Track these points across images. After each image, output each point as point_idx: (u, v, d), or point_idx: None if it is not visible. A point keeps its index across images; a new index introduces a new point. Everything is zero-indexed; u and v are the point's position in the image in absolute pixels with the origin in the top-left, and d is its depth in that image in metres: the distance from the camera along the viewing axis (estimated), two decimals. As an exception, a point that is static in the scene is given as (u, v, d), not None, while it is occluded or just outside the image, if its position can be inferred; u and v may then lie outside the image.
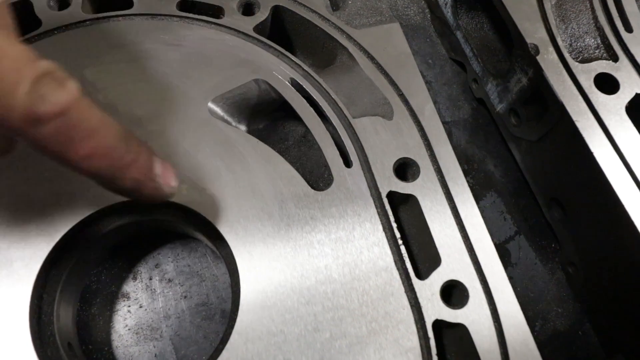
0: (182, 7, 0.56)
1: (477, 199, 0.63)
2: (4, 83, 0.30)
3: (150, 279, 0.54)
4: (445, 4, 0.69)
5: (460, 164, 0.50)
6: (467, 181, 0.49)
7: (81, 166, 0.35)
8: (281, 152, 0.51)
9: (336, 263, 0.45)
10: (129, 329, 0.52)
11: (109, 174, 0.36)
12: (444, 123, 0.53)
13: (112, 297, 0.53)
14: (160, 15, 0.55)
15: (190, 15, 0.55)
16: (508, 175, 0.66)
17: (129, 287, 0.54)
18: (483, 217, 0.47)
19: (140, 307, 0.53)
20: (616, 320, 0.55)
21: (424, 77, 0.55)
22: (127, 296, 0.53)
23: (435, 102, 0.53)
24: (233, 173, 0.48)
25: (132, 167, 0.37)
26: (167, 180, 0.40)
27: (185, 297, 0.54)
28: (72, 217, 0.46)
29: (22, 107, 0.30)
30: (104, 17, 0.55)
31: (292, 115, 0.53)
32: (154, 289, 0.54)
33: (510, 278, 0.46)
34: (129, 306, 0.53)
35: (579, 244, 0.57)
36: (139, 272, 0.54)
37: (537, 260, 0.62)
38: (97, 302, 0.52)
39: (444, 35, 0.73)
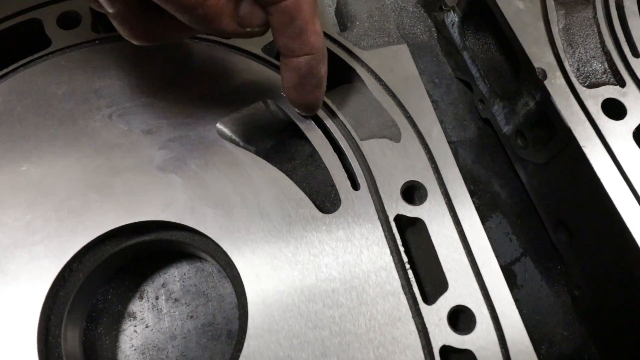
0: (191, 27, 0.56)
1: (483, 219, 0.63)
2: None
3: (157, 298, 0.54)
4: (452, 24, 0.69)
5: (466, 184, 0.50)
6: (473, 202, 0.49)
7: None
8: (288, 172, 0.52)
9: (344, 287, 0.45)
10: (135, 349, 0.52)
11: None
12: (450, 143, 0.53)
13: (118, 317, 0.53)
14: (170, 35, 0.55)
15: (201, 35, 0.56)
16: (514, 196, 0.66)
17: (136, 306, 0.54)
18: (489, 238, 0.48)
19: (147, 327, 0.53)
20: (622, 344, 0.55)
21: (430, 96, 0.55)
22: (133, 316, 0.53)
23: (441, 122, 0.53)
24: (241, 195, 0.48)
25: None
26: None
27: (191, 317, 0.54)
28: (80, 238, 0.46)
29: None
30: (113, 37, 0.55)
31: (298, 134, 0.53)
32: (161, 309, 0.54)
33: (516, 300, 0.46)
34: (135, 326, 0.53)
35: (585, 267, 0.57)
36: (146, 291, 0.54)
37: (543, 282, 0.62)
38: (104, 322, 0.52)
39: (450, 55, 0.73)
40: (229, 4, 0.40)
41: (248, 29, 0.42)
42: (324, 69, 0.45)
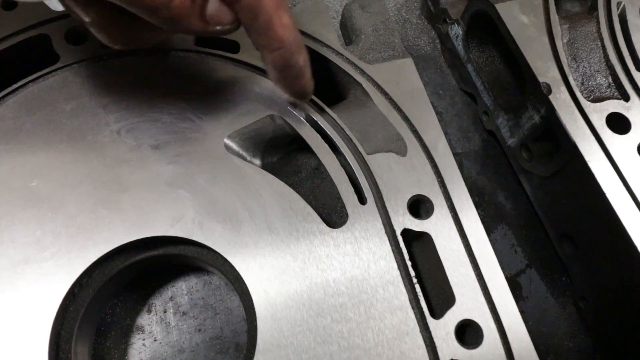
0: (199, 42, 0.57)
1: (488, 231, 0.64)
2: None
3: (165, 311, 0.54)
4: (457, 37, 0.69)
5: (471, 196, 0.50)
6: (478, 213, 0.50)
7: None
8: (294, 185, 0.52)
9: (352, 302, 0.46)
10: (143, 363, 0.52)
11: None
12: (455, 154, 0.53)
13: (127, 331, 0.53)
14: (178, 50, 0.56)
15: (207, 50, 0.56)
16: (519, 208, 0.67)
17: (144, 320, 0.54)
18: (494, 249, 0.48)
19: (155, 340, 0.53)
20: (628, 356, 0.55)
21: (434, 107, 0.56)
22: (141, 329, 0.54)
23: (445, 133, 0.53)
24: (249, 210, 0.49)
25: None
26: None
27: (199, 330, 0.54)
28: (90, 254, 0.46)
29: None
30: (120, 53, 0.55)
31: (304, 147, 0.54)
32: (169, 322, 0.54)
33: (522, 312, 0.46)
34: (144, 339, 0.53)
35: (591, 279, 0.57)
36: (154, 304, 0.55)
37: (548, 294, 0.62)
38: (113, 336, 0.53)
39: (454, 67, 0.74)
40: (195, 5, 0.40)
41: (218, 27, 0.43)
42: (301, 59, 0.46)
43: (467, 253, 0.48)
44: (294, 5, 0.76)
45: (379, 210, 0.49)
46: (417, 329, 0.45)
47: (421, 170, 0.52)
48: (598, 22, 0.57)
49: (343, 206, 0.50)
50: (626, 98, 0.53)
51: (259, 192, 0.49)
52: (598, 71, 0.56)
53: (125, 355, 0.52)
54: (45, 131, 0.51)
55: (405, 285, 0.46)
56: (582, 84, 0.55)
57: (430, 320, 0.45)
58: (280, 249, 0.47)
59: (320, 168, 0.56)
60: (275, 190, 0.50)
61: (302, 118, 0.53)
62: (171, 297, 0.55)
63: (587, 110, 0.52)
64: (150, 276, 0.55)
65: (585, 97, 0.53)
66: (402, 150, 0.53)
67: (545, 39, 0.56)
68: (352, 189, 0.50)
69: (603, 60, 0.56)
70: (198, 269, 0.57)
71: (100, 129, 0.51)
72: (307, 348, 0.44)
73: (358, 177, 0.51)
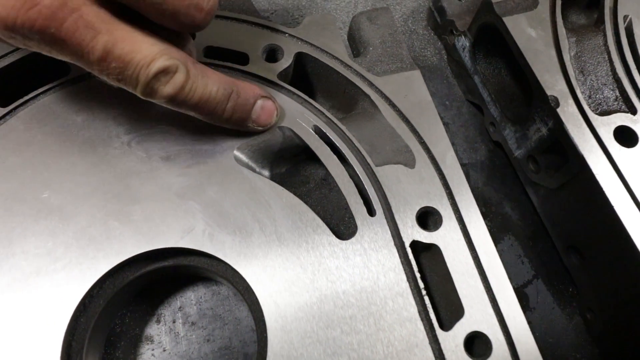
0: (208, 53, 0.57)
1: (495, 242, 0.63)
2: (128, 80, 0.42)
3: (174, 322, 0.55)
4: (463, 49, 0.70)
5: (477, 206, 0.51)
6: (485, 224, 0.50)
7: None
8: (302, 195, 0.52)
9: (361, 314, 0.46)
10: (152, 373, 0.52)
11: (212, 121, 0.49)
12: (462, 165, 0.54)
13: (136, 341, 0.54)
14: (187, 62, 0.56)
15: (216, 61, 0.56)
16: (525, 219, 0.67)
17: (153, 330, 0.54)
18: (501, 260, 0.48)
19: (164, 350, 0.53)
20: (635, 368, 0.56)
21: (441, 118, 0.56)
22: (151, 339, 0.54)
23: (452, 144, 0.54)
24: (259, 221, 0.49)
25: (232, 117, 0.49)
26: (260, 123, 0.52)
27: (208, 340, 0.54)
28: (101, 266, 0.47)
29: (141, 94, 0.43)
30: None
31: (312, 158, 0.54)
32: (178, 332, 0.54)
33: (529, 323, 0.46)
34: (153, 349, 0.53)
35: (598, 290, 0.57)
36: (163, 315, 0.55)
37: (555, 305, 0.62)
38: (122, 346, 0.53)
39: (461, 78, 0.74)
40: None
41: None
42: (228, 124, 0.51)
43: (475, 265, 0.48)
44: (302, 16, 0.77)
45: (387, 222, 0.50)
46: (427, 340, 0.45)
47: (430, 182, 0.52)
48: (605, 35, 0.58)
49: (352, 217, 0.50)
50: (633, 111, 0.53)
51: (269, 203, 0.50)
52: (605, 84, 0.56)
53: (135, 365, 0.53)
54: (57, 143, 0.51)
55: (414, 297, 0.47)
56: (590, 97, 0.56)
57: (439, 332, 0.45)
58: (290, 261, 0.48)
59: (328, 179, 0.56)
60: (284, 202, 0.50)
61: (310, 129, 0.53)
62: (180, 307, 0.55)
63: (594, 123, 0.52)
64: (159, 286, 0.56)
65: (592, 110, 0.54)
66: (410, 162, 0.53)
67: (553, 52, 0.57)
68: (361, 201, 0.50)
69: (610, 73, 0.56)
70: (206, 279, 0.57)
71: (110, 141, 0.52)
72: (317, 359, 0.44)
73: (367, 189, 0.51)
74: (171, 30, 0.45)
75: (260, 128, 0.52)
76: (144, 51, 0.41)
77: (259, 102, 0.51)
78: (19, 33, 0.39)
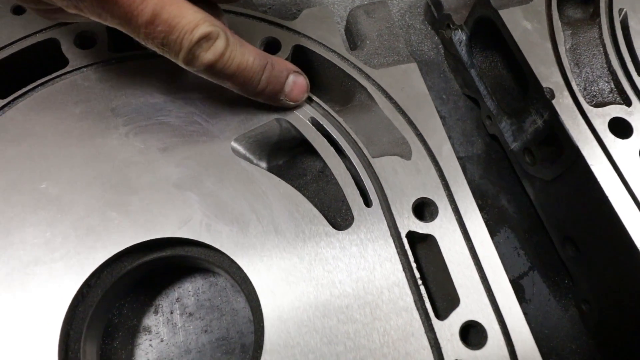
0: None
1: (491, 234, 0.63)
2: (172, 45, 0.43)
3: (172, 312, 0.55)
4: (460, 43, 0.70)
5: (474, 199, 0.51)
6: (481, 216, 0.50)
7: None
8: (300, 187, 0.53)
9: (357, 303, 0.46)
10: (150, 363, 0.53)
11: (246, 92, 0.50)
12: (458, 158, 0.54)
13: (134, 331, 0.54)
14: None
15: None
16: (521, 211, 0.67)
17: (151, 320, 0.55)
18: (497, 252, 0.49)
19: (162, 341, 0.54)
20: (629, 358, 0.56)
21: (438, 112, 0.56)
22: (148, 330, 0.54)
23: (449, 137, 0.54)
24: (256, 212, 0.49)
25: (265, 89, 0.50)
26: (292, 97, 0.53)
27: (205, 331, 0.54)
28: (99, 255, 0.47)
29: (182, 61, 0.44)
30: (129, 56, 0.56)
31: (310, 150, 0.54)
32: (175, 323, 0.54)
33: (525, 314, 0.47)
34: (151, 340, 0.54)
35: (593, 282, 0.58)
36: (160, 305, 0.55)
37: (551, 296, 0.63)
38: (120, 336, 0.53)
39: (457, 72, 0.75)
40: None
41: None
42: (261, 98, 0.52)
43: (471, 255, 0.49)
44: (300, 11, 0.77)
45: (384, 212, 0.50)
46: (422, 329, 0.45)
47: (426, 174, 0.52)
48: (600, 28, 0.58)
49: (348, 209, 0.50)
50: (628, 103, 0.54)
51: (266, 194, 0.50)
52: (600, 76, 0.56)
53: (132, 355, 0.53)
54: (55, 134, 0.51)
55: (410, 287, 0.47)
56: (585, 89, 0.56)
57: (435, 321, 0.46)
58: (287, 251, 0.48)
59: (325, 171, 0.56)
60: (281, 193, 0.50)
61: (307, 121, 0.54)
62: (178, 298, 0.56)
63: (589, 115, 0.53)
64: (156, 277, 0.56)
65: (587, 102, 0.54)
66: (406, 154, 0.53)
67: (548, 45, 0.57)
68: (358, 192, 0.51)
69: (605, 65, 0.57)
70: (204, 271, 0.57)
71: (109, 132, 0.52)
72: (314, 348, 0.44)
73: (363, 180, 0.51)
74: (207, 2, 0.47)
75: (292, 103, 0.53)
76: (188, 16, 0.42)
77: (291, 77, 0.52)
78: None
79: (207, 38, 0.43)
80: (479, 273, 0.48)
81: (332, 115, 0.55)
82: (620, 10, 0.58)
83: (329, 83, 0.61)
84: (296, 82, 0.52)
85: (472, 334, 0.46)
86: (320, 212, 0.50)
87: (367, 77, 0.58)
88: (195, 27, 0.42)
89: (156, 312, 0.55)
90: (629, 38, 0.57)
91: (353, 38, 0.64)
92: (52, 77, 0.54)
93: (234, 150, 0.52)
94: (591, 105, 0.54)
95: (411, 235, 0.49)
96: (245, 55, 0.46)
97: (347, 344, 0.45)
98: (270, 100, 0.52)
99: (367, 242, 0.49)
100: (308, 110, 0.54)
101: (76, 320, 0.47)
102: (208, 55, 0.44)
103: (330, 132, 0.54)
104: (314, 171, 0.58)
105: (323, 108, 0.55)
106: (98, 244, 0.47)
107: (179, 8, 0.42)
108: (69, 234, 0.47)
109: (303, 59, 0.60)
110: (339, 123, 0.55)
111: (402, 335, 0.45)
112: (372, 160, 0.52)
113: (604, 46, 0.57)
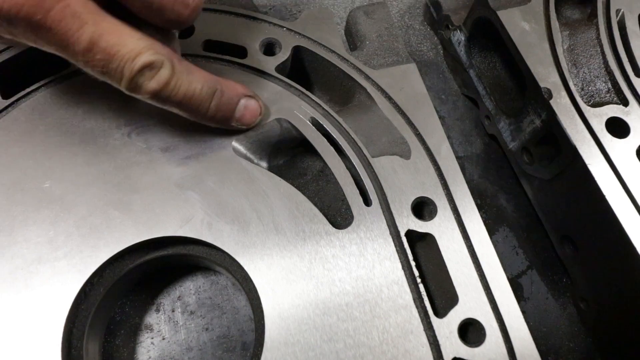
0: (207, 47, 0.58)
1: (490, 233, 0.64)
2: (113, 73, 0.42)
3: (173, 311, 0.55)
4: (459, 43, 0.71)
5: (473, 198, 0.52)
6: (480, 216, 0.51)
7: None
8: (300, 187, 0.53)
9: (357, 301, 0.47)
10: (152, 361, 0.53)
11: (196, 118, 0.49)
12: (457, 158, 0.55)
13: (135, 329, 0.54)
14: (186, 55, 0.57)
15: (215, 55, 0.57)
16: (520, 210, 0.68)
17: (152, 319, 0.55)
18: (495, 251, 0.49)
19: (163, 339, 0.54)
20: (628, 356, 0.56)
21: (437, 112, 0.57)
22: (150, 328, 0.55)
23: (448, 137, 0.54)
24: (256, 211, 0.50)
25: (215, 115, 0.49)
26: (244, 122, 0.52)
27: (207, 329, 0.55)
28: (102, 254, 0.47)
29: (125, 89, 0.43)
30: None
31: (310, 150, 0.55)
32: (177, 321, 0.55)
33: (523, 312, 0.47)
34: (152, 338, 0.54)
35: (591, 280, 0.58)
36: (162, 304, 0.56)
37: (549, 295, 0.63)
38: (122, 334, 0.54)
39: (456, 72, 0.75)
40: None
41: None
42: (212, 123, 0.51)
43: (469, 254, 0.49)
44: (300, 12, 0.78)
45: (383, 211, 0.50)
46: (421, 327, 0.46)
47: (425, 173, 0.53)
48: (597, 29, 0.58)
49: (348, 208, 0.51)
50: (625, 103, 0.54)
51: (266, 193, 0.51)
52: (598, 77, 0.57)
53: (134, 353, 0.53)
54: (58, 134, 0.52)
55: (409, 285, 0.47)
56: (582, 89, 0.57)
57: (433, 319, 0.46)
58: (287, 249, 0.48)
59: (325, 171, 0.57)
60: (282, 192, 0.51)
61: (307, 121, 0.54)
62: (179, 296, 0.56)
63: (587, 115, 0.53)
64: (158, 276, 0.56)
65: (585, 102, 0.54)
66: (406, 154, 0.54)
67: (546, 45, 0.58)
68: (357, 191, 0.51)
69: (602, 66, 0.57)
70: (205, 269, 0.58)
71: (111, 132, 0.52)
72: (314, 346, 0.45)
73: (363, 180, 0.52)
74: (156, 27, 0.45)
75: (243, 127, 0.52)
76: (129, 45, 0.41)
77: (243, 101, 0.51)
78: (4, 19, 0.39)
79: (150, 67, 0.42)
80: (477, 271, 0.48)
81: (332, 115, 0.55)
82: (618, 11, 0.59)
83: (329, 83, 0.62)
84: (247, 107, 0.51)
85: (470, 332, 0.47)
86: (320, 211, 0.50)
87: (367, 77, 0.58)
88: (137, 56, 0.41)
89: (158, 310, 0.56)
90: (626, 38, 0.57)
91: (353, 39, 0.65)
92: (55, 78, 0.55)
93: (235, 150, 0.53)
94: (588, 105, 0.54)
95: (410, 234, 0.50)
96: (192, 84, 0.45)
97: (347, 342, 0.45)
98: (221, 125, 0.51)
99: (367, 240, 0.49)
100: (308, 111, 0.55)
101: (79, 318, 0.47)
102: (152, 84, 0.43)
103: (330, 132, 0.54)
104: (314, 171, 0.59)
105: (323, 108, 0.56)
106: (100, 243, 0.48)
107: (119, 36, 0.41)
108: (71, 233, 0.48)
109: (303, 59, 0.61)
110: (339, 123, 0.55)
111: (401, 333, 0.46)
112: (371, 160, 0.53)
113: (601, 47, 0.57)
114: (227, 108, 0.49)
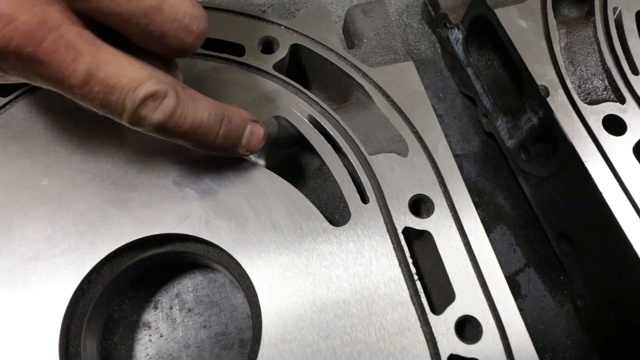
0: (204, 45, 0.58)
1: (487, 231, 0.65)
2: (113, 106, 0.39)
3: (171, 308, 0.56)
4: (457, 41, 0.71)
5: (470, 196, 0.52)
6: (478, 213, 0.51)
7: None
8: (297, 185, 0.53)
9: (354, 298, 0.47)
10: (150, 358, 0.53)
11: (202, 148, 0.46)
12: (455, 156, 0.55)
13: (133, 326, 0.55)
14: (184, 53, 0.57)
15: (213, 53, 0.57)
16: (517, 208, 0.68)
17: (150, 316, 0.55)
18: (493, 249, 0.49)
19: (161, 336, 0.54)
20: (625, 354, 0.56)
21: (434, 110, 0.57)
22: (148, 325, 0.55)
23: (446, 135, 0.55)
24: (254, 208, 0.50)
25: (223, 144, 0.46)
26: (250, 148, 0.48)
27: (204, 326, 0.55)
28: (99, 251, 0.47)
29: (127, 122, 0.40)
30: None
31: (308, 148, 0.55)
32: (175, 319, 0.55)
33: (520, 310, 0.47)
34: (150, 335, 0.54)
35: (588, 278, 0.58)
36: (160, 301, 0.56)
37: (547, 292, 0.63)
38: (120, 331, 0.54)
39: (454, 70, 0.75)
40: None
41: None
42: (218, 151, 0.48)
43: (466, 251, 0.49)
44: (298, 10, 0.78)
45: (380, 209, 0.51)
46: (418, 324, 0.46)
47: (422, 171, 0.53)
48: (595, 27, 0.59)
49: (345, 205, 0.51)
50: (622, 101, 0.54)
51: (264, 191, 0.51)
52: (595, 74, 0.57)
53: (132, 350, 0.54)
54: (56, 131, 0.52)
55: (406, 282, 0.48)
56: (579, 86, 0.57)
57: (430, 316, 0.46)
58: (285, 247, 0.48)
59: (322, 168, 0.57)
60: (279, 190, 0.51)
61: (305, 119, 0.54)
62: (177, 294, 0.56)
63: (584, 112, 0.53)
64: (156, 274, 0.56)
65: (582, 100, 0.55)
66: (403, 151, 0.54)
67: (543, 43, 0.58)
68: (355, 189, 0.51)
69: (599, 64, 0.57)
70: (203, 267, 0.58)
71: (109, 130, 0.52)
72: (311, 342, 0.45)
73: (360, 177, 0.52)
74: (157, 55, 0.43)
75: (248, 153, 0.49)
76: (130, 75, 0.38)
77: (249, 128, 0.48)
78: None
79: (153, 97, 0.39)
80: (474, 269, 0.48)
81: (329, 113, 0.55)
82: (615, 9, 0.59)
83: (326, 81, 0.62)
84: (253, 133, 0.48)
85: (467, 329, 0.47)
86: (318, 208, 0.50)
87: (365, 75, 0.58)
88: (139, 86, 0.38)
89: (155, 307, 0.56)
90: (623, 36, 0.57)
91: (351, 37, 0.65)
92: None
93: (233, 148, 0.53)
94: (585, 103, 0.54)
95: (407, 231, 0.50)
96: (199, 112, 0.42)
97: (344, 338, 0.45)
98: (226, 153, 0.48)
99: (364, 238, 0.49)
100: (306, 108, 0.55)
101: (77, 315, 0.47)
102: (156, 115, 0.39)
103: (327, 129, 0.54)
104: (311, 169, 0.59)
105: (321, 106, 0.56)
106: (98, 240, 0.48)
107: (118, 65, 0.38)
108: (69, 230, 0.48)
109: (301, 57, 0.61)
110: (337, 121, 0.55)
111: (398, 330, 0.46)
112: (369, 158, 0.53)
113: (598, 44, 0.57)
114: (235, 135, 0.46)
